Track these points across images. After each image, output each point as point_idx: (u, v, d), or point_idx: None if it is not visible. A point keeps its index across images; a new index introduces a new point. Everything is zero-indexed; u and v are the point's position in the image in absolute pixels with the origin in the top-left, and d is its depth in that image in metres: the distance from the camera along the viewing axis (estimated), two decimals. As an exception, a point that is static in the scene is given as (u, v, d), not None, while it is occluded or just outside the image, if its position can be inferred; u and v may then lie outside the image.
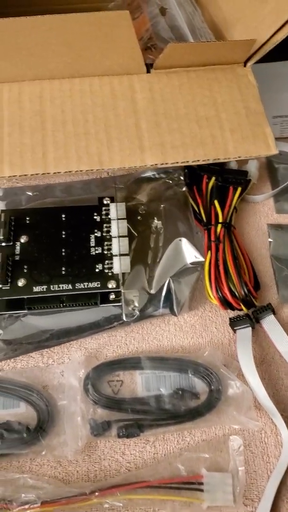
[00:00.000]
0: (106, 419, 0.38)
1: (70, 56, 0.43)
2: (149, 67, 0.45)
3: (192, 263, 0.43)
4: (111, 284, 0.41)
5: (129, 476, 0.37)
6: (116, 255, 0.42)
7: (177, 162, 0.42)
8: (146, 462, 0.38)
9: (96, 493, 0.35)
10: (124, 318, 0.42)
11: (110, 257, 0.42)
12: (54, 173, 0.40)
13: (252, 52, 0.45)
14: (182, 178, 0.48)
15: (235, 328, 0.42)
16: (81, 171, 0.41)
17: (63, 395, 0.39)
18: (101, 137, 0.42)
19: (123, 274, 0.42)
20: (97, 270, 0.42)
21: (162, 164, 0.41)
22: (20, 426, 0.38)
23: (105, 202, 0.45)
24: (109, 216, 0.44)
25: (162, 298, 0.42)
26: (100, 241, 0.43)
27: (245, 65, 0.46)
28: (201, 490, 0.35)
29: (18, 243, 0.43)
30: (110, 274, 0.42)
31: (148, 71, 0.45)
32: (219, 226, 0.44)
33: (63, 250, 0.43)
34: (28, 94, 0.44)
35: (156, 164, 0.41)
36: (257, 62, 0.47)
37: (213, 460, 0.37)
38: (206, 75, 0.45)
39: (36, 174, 0.40)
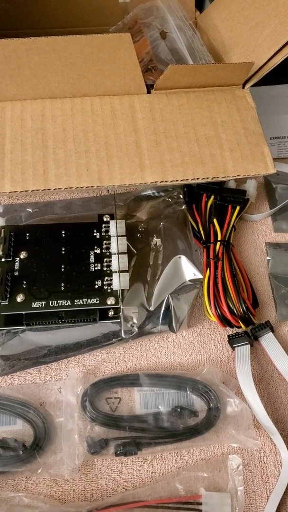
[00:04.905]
0: (103, 437, 0.37)
1: (72, 76, 0.43)
2: (149, 88, 0.46)
3: (191, 280, 0.43)
4: (110, 301, 0.41)
5: (126, 495, 0.36)
6: (115, 272, 0.42)
7: (176, 180, 0.42)
8: (144, 481, 0.37)
9: (93, 513, 0.34)
10: (123, 335, 0.41)
11: (110, 274, 0.42)
12: (55, 189, 0.41)
13: (250, 74, 0.46)
14: (181, 196, 0.48)
15: (233, 346, 0.42)
16: (81, 187, 0.41)
17: (60, 412, 0.39)
18: (102, 155, 0.42)
19: (122, 290, 0.42)
20: (96, 286, 0.42)
21: (162, 181, 0.42)
22: (16, 443, 0.37)
23: (105, 219, 0.45)
24: (108, 233, 0.44)
25: (161, 315, 0.42)
26: (99, 258, 0.43)
27: (243, 87, 0.47)
28: (200, 510, 0.35)
29: (17, 259, 0.43)
30: (109, 290, 0.42)
31: (148, 92, 0.46)
32: (218, 244, 0.45)
33: (63, 266, 0.43)
34: (30, 112, 0.44)
35: (156, 182, 0.42)
36: (254, 85, 0.47)
37: (211, 480, 0.37)
38: (206, 96, 0.46)
39: (37, 190, 0.41)
